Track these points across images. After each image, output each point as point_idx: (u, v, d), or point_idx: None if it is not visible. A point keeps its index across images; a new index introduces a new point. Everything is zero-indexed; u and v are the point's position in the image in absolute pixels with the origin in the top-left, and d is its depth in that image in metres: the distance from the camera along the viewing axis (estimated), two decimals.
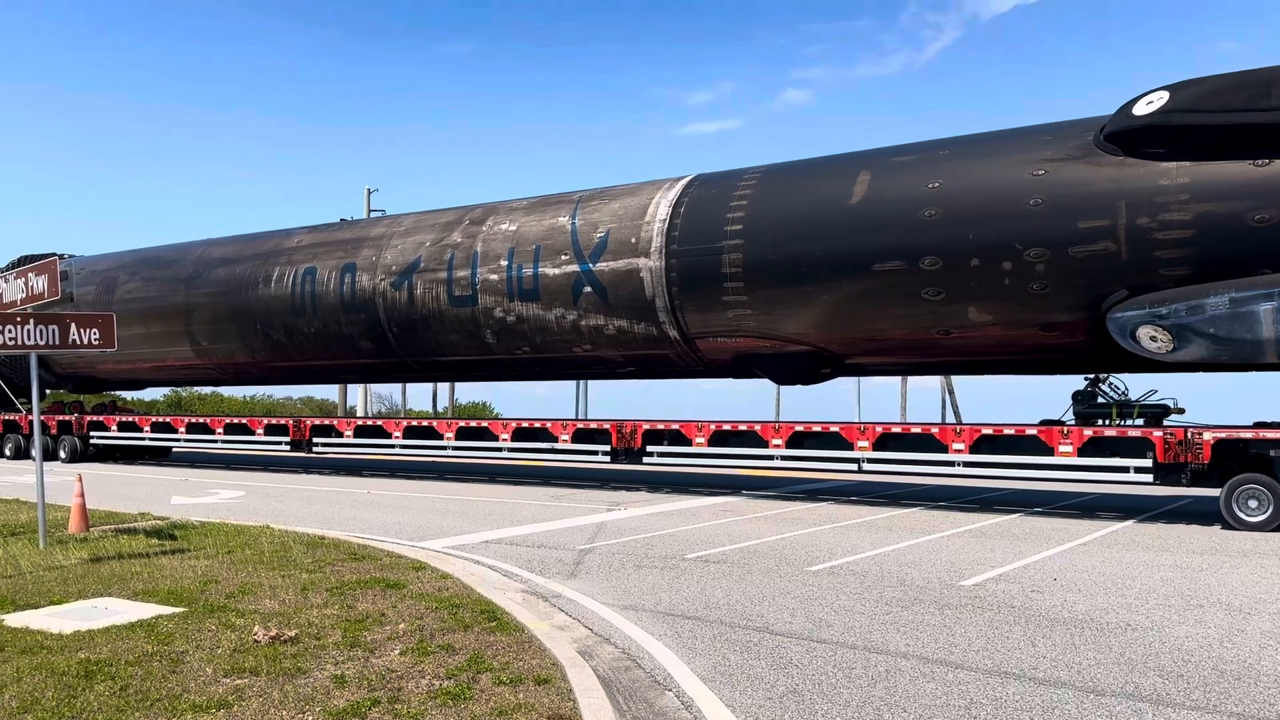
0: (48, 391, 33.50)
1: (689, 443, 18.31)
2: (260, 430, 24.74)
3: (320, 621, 7.49)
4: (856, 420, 16.90)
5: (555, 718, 5.37)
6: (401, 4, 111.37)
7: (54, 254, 29.55)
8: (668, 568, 10.48)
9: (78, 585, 9.01)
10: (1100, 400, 15.78)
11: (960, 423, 18.48)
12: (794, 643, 7.20)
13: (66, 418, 28.61)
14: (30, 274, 12.12)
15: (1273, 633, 7.51)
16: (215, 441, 25.97)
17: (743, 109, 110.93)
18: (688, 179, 17.95)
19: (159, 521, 13.87)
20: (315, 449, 23.81)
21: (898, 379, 32.80)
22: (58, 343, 11.72)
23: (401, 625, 7.41)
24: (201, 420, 26.81)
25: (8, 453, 29.03)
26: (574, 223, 18.46)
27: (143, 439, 27.29)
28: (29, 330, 11.45)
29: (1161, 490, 18.01)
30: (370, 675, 6.10)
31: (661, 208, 17.51)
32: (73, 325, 11.90)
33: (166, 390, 37.67)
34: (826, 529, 13.60)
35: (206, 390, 46.18)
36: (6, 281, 12.70)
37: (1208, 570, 10.30)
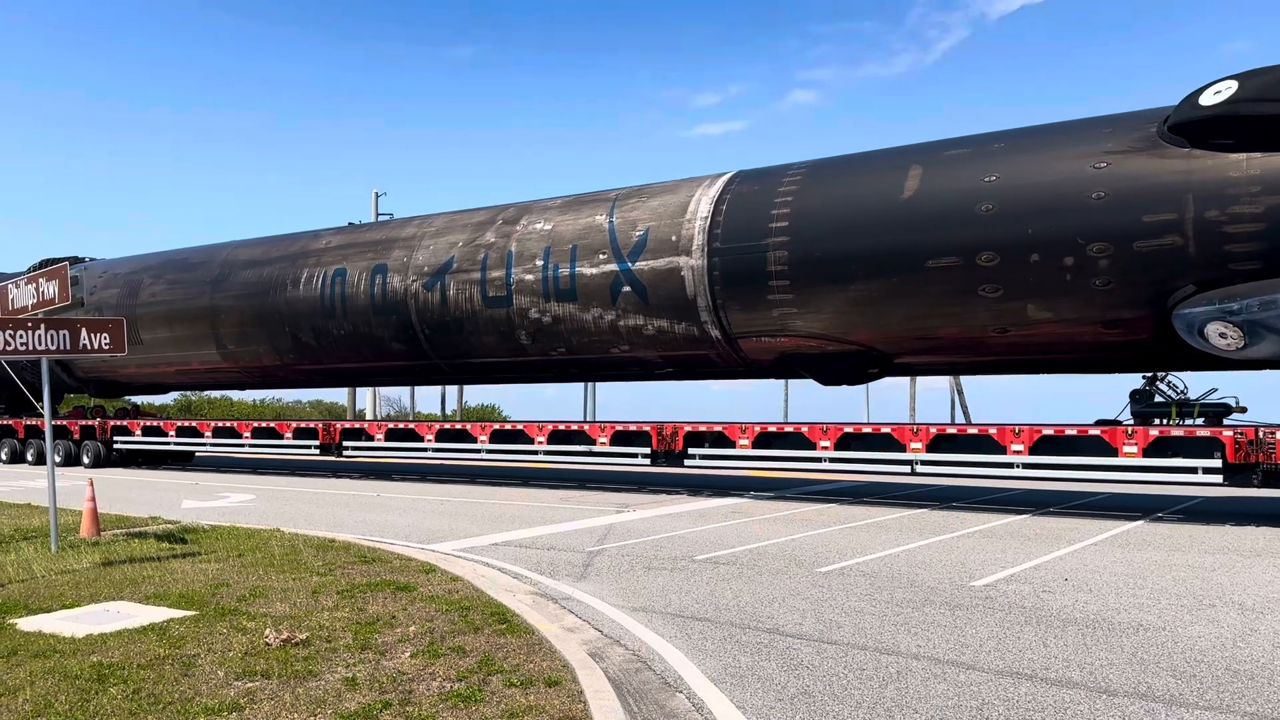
0: (68, 396, 33.49)
1: (732, 445, 17.94)
2: (289, 434, 24.46)
3: (331, 624, 7.50)
4: (909, 421, 16.56)
5: (566, 719, 5.38)
6: (406, 9, 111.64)
7: (75, 257, 29.47)
8: (677, 569, 10.47)
9: (90, 589, 9.04)
10: (1158, 399, 15.40)
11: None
12: (804, 644, 7.19)
13: (89, 422, 28.39)
14: (41, 279, 12.17)
15: None
16: (242, 446, 25.63)
17: (750, 110, 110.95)
18: (728, 175, 17.58)
19: (170, 525, 13.91)
20: (345, 453, 23.49)
21: (906, 379, 32.74)
22: (68, 347, 11.76)
23: (412, 628, 7.42)
24: (228, 424, 26.37)
25: (30, 458, 28.85)
26: (611, 221, 18.12)
27: (168, 443, 27.05)
28: (40, 335, 11.50)
29: (1174, 490, 17.95)
30: (381, 677, 6.10)
31: (702, 205, 17.15)
32: (83, 330, 11.95)
33: (175, 395, 37.43)
34: (836, 530, 13.58)
35: (215, 394, 46.27)
36: (18, 287, 12.75)
37: (1220, 570, 10.26)
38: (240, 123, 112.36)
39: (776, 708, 5.74)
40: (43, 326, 11.56)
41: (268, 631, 7.13)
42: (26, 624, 7.64)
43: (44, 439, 27.58)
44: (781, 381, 34.91)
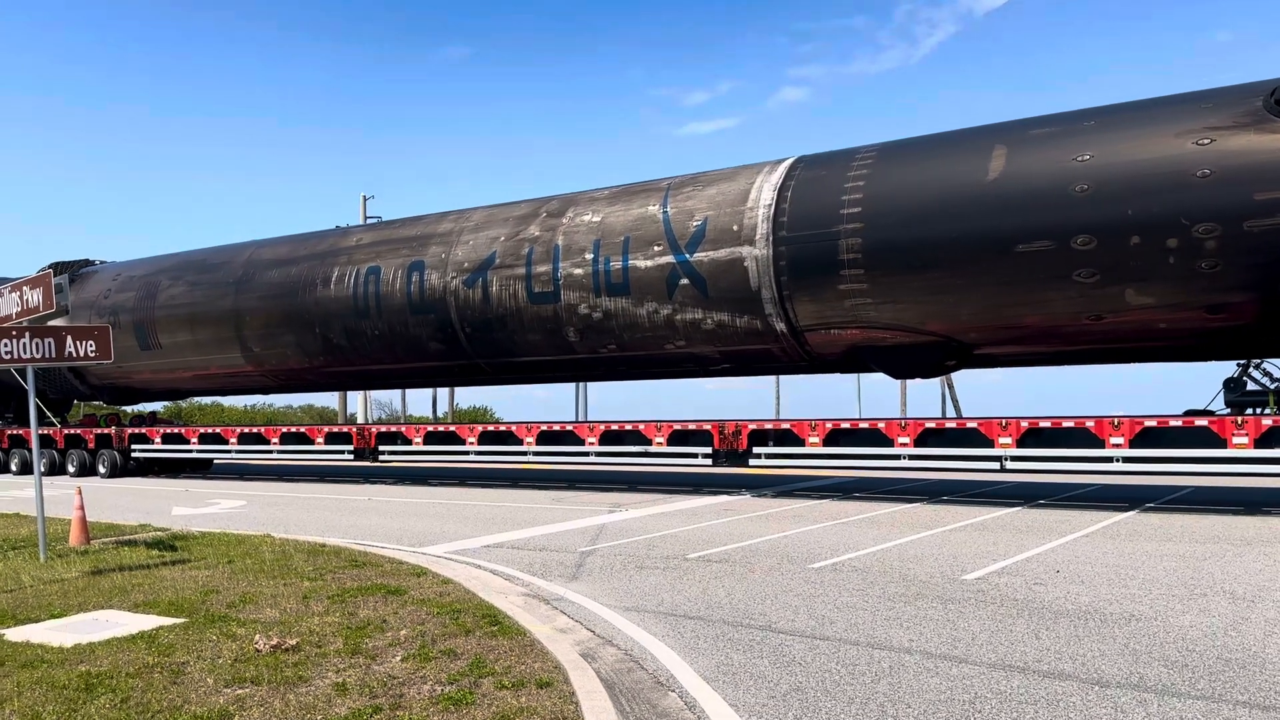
0: (76, 403, 32.86)
1: (800, 442, 17.20)
2: (320, 439, 23.62)
3: (321, 629, 7.46)
4: (996, 416, 15.66)
5: None
6: (398, 10, 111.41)
7: (86, 260, 28.83)
8: (669, 568, 10.45)
9: (78, 598, 8.98)
10: (1251, 388, 14.90)
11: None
12: (797, 640, 7.17)
13: (105, 431, 27.53)
14: (25, 287, 12.09)
15: (1278, 620, 7.48)
16: (270, 452, 24.59)
17: (740, 108, 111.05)
18: (790, 161, 16.92)
19: (160, 533, 13.84)
20: (381, 458, 22.72)
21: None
22: (54, 355, 11.69)
23: (403, 631, 7.38)
24: (255, 430, 25.39)
25: (42, 468, 28.17)
26: (666, 211, 17.42)
27: (189, 452, 26.17)
28: (24, 344, 11.42)
29: (1164, 480, 18.02)
30: (372, 682, 6.07)
31: (765, 192, 16.43)
32: (69, 338, 11.87)
33: (164, 403, 36.84)
34: (828, 526, 13.57)
35: (206, 400, 46.02)
36: (1, 295, 12.66)
37: (1211, 559, 10.28)
38: (227, 126, 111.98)
39: (769, 705, 5.72)
40: (28, 334, 11.48)
41: (257, 638, 7.09)
42: (14, 634, 7.58)
43: (53, 449, 27.53)
44: (773, 378, 34.92)
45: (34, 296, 11.88)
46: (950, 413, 29.26)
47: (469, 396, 49.84)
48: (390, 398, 48.89)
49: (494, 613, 8.01)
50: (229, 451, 25.40)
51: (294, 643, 6.98)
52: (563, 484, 21.59)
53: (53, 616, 8.24)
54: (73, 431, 28.11)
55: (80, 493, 13.63)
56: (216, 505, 18.82)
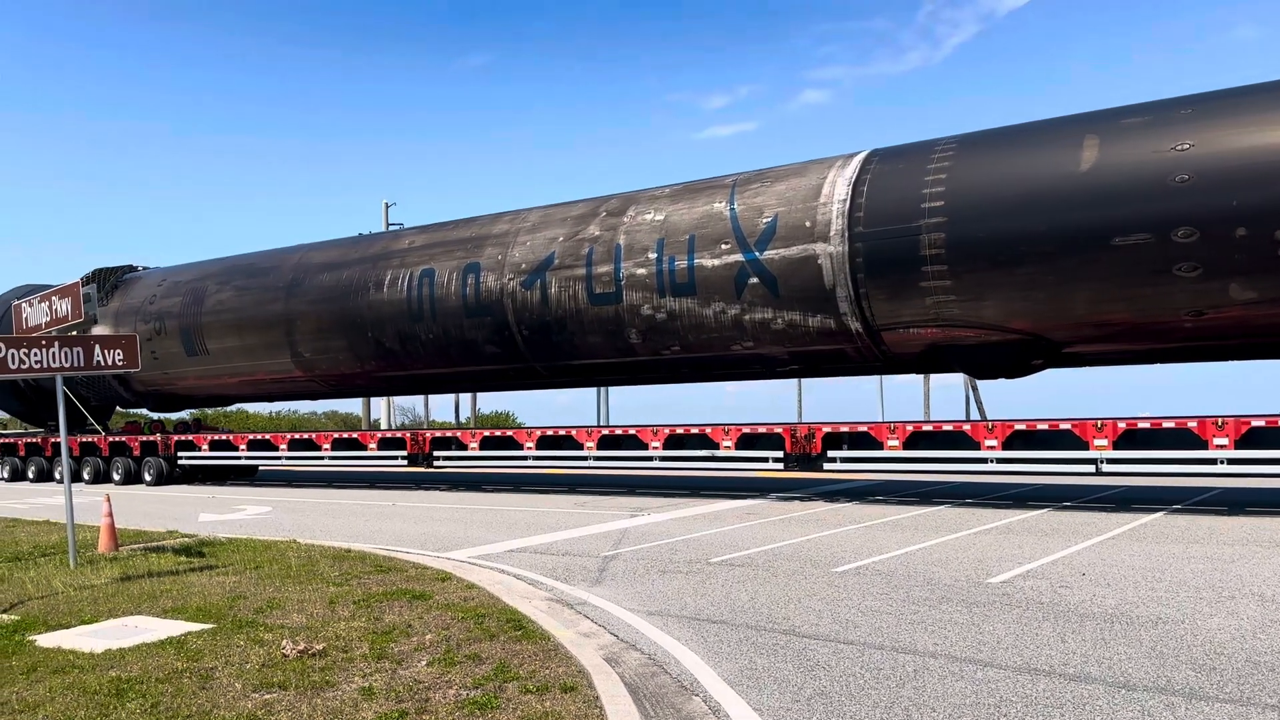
0: (117, 409, 32.70)
1: (879, 446, 16.60)
2: (373, 445, 23.14)
3: (348, 634, 7.52)
4: (1091, 416, 15.10)
5: None
6: (417, 19, 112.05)
7: (130, 265, 28.59)
8: (692, 572, 10.46)
9: (108, 604, 9.09)
10: None
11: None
12: (821, 644, 7.16)
13: (150, 438, 27.11)
14: (54, 297, 12.25)
15: None
16: (321, 458, 24.14)
17: (760, 111, 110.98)
18: (863, 155, 16.40)
19: (187, 539, 13.97)
20: (436, 463, 22.16)
21: (918, 375, 32.54)
22: (82, 364, 11.84)
23: (428, 636, 7.43)
24: (305, 436, 24.96)
25: (86, 476, 27.58)
26: (733, 208, 16.90)
27: (238, 458, 25.84)
28: (54, 353, 11.58)
29: (1190, 482, 17.86)
30: (398, 687, 6.11)
31: (839, 187, 15.92)
32: (97, 347, 12.03)
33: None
34: (852, 529, 13.54)
35: (231, 408, 46.30)
36: (31, 306, 12.84)
37: (1239, 561, 10.18)
38: (249, 137, 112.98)
39: (793, 709, 5.72)
40: (56, 344, 11.63)
41: (285, 643, 7.15)
42: (46, 640, 7.68)
43: (97, 456, 27.34)
44: (795, 381, 34.77)
45: (63, 306, 12.04)
46: (974, 414, 29.06)
47: (490, 402, 49.99)
48: (413, 403, 49.00)
49: (518, 617, 8.04)
50: (279, 458, 25.01)
51: (321, 648, 7.04)
52: (622, 489, 21.05)
53: (83, 622, 8.34)
54: (117, 439, 27.79)
55: (109, 499, 13.79)
56: (242, 511, 18.97)
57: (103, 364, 12.06)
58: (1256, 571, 9.57)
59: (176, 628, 7.97)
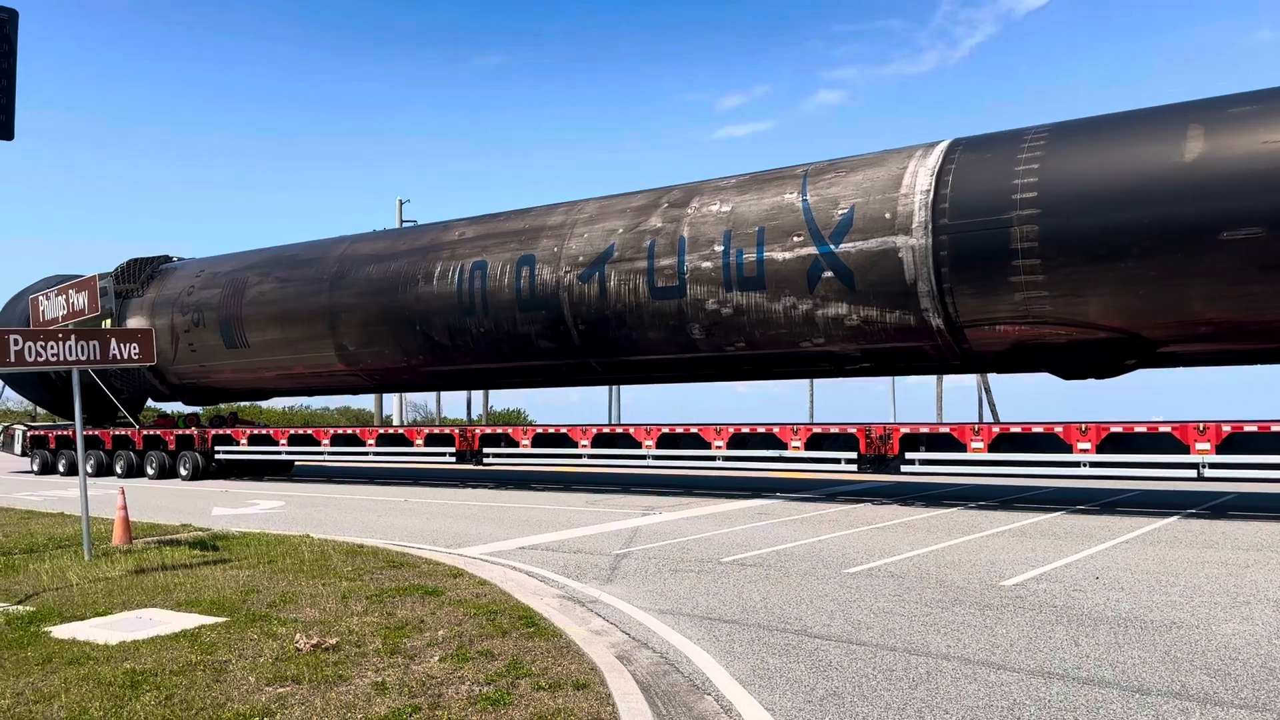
0: (149, 402, 32.33)
1: (961, 448, 16.01)
2: (419, 441, 22.69)
3: (361, 629, 7.55)
4: (1193, 420, 14.59)
5: None
6: (434, 18, 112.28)
7: (165, 256, 28.18)
8: (704, 571, 10.45)
9: (122, 596, 9.14)
10: None
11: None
12: (833, 645, 7.15)
13: (186, 432, 26.66)
14: (71, 290, 12.32)
15: None
16: (365, 454, 23.66)
17: (775, 111, 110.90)
18: (945, 144, 15.79)
19: (200, 532, 14.04)
20: (485, 461, 21.55)
21: (930, 377, 32.44)
22: (98, 357, 11.90)
23: (441, 632, 7.44)
24: (349, 432, 24.45)
25: (119, 470, 27.30)
26: (805, 199, 16.30)
27: (278, 453, 25.18)
28: (70, 346, 11.64)
29: (1205, 486, 17.75)
30: (411, 682, 6.13)
31: (921, 177, 15.31)
32: (113, 340, 12.09)
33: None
34: (864, 530, 13.51)
35: (244, 404, 46.41)
36: (48, 299, 12.91)
37: (1254, 566, 10.12)
38: (263, 136, 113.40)
39: (806, 709, 5.72)
40: (73, 337, 11.70)
41: (298, 637, 7.18)
42: (61, 631, 7.73)
43: (130, 450, 27.13)
44: (806, 381, 34.69)
45: (79, 300, 12.10)
46: (988, 417, 28.93)
47: (501, 400, 50.05)
48: (425, 400, 49.13)
49: (530, 614, 8.06)
50: (320, 453, 24.50)
51: (334, 642, 7.06)
52: (678, 490, 20.58)
53: (98, 614, 8.39)
54: (151, 432, 27.31)
55: (123, 493, 13.86)
56: (255, 506, 19.05)
57: (118, 357, 12.12)
58: (1271, 577, 9.51)
59: (190, 621, 8.01)
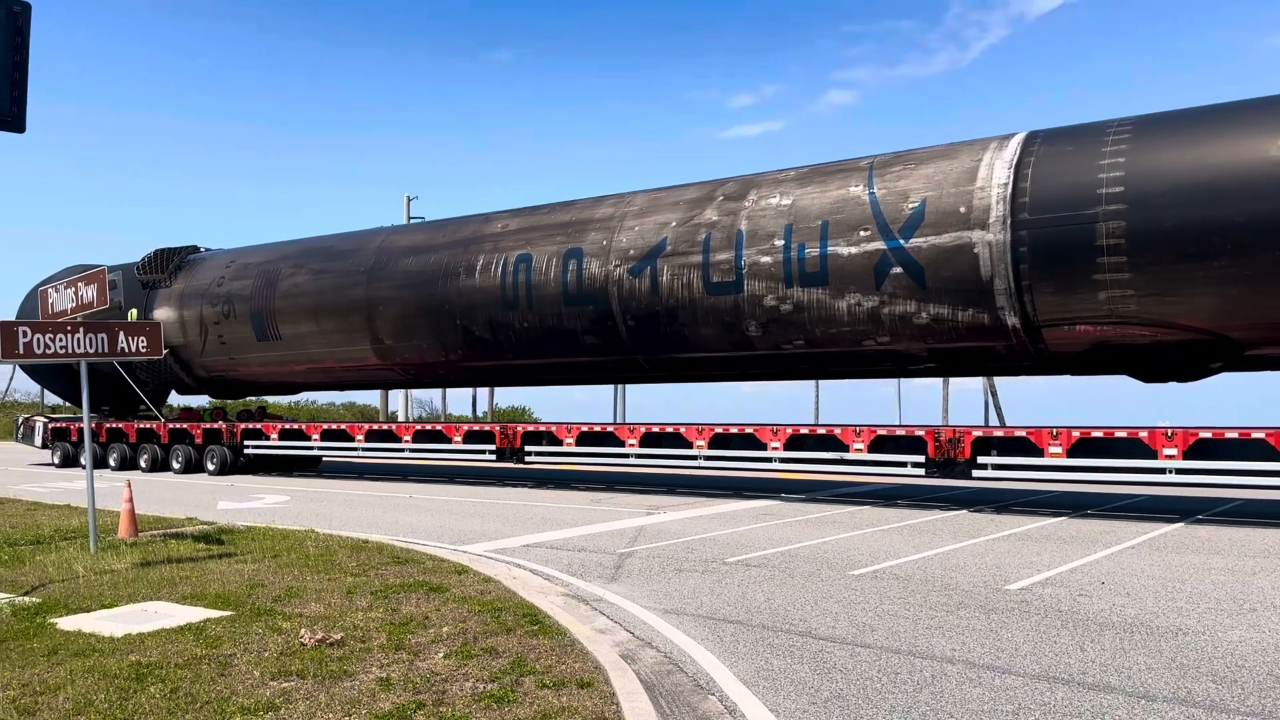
0: (173, 395, 31.93)
1: (1039, 452, 15.33)
2: (458, 438, 22.03)
3: (365, 625, 7.55)
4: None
5: None
6: (446, 14, 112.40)
7: (193, 246, 27.74)
8: (708, 571, 10.45)
9: (128, 589, 9.16)
10: None
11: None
12: (837, 647, 7.14)
13: (213, 426, 25.97)
14: (80, 283, 12.35)
15: None
16: (401, 451, 23.07)
17: (785, 111, 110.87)
18: (1022, 136, 15.27)
19: (206, 526, 14.07)
20: (528, 459, 20.97)
21: (937, 380, 32.45)
22: (106, 350, 11.93)
23: (445, 628, 7.45)
24: (384, 428, 23.94)
25: (143, 464, 26.63)
26: (872, 192, 15.79)
27: (309, 449, 24.53)
28: (78, 339, 11.67)
29: (1211, 492, 17.70)
30: (415, 678, 6.14)
31: (997, 170, 14.80)
32: (121, 333, 12.12)
33: (204, 400, 35.29)
34: (869, 533, 13.49)
35: (251, 398, 46.36)
36: (57, 291, 12.94)
37: (1261, 574, 10.09)
38: (274, 130, 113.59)
39: (810, 711, 5.71)
40: (81, 330, 11.73)
41: (303, 632, 7.19)
42: (66, 623, 7.75)
43: (155, 444, 26.65)
44: (812, 383, 34.67)
45: (88, 293, 12.13)
46: (994, 420, 28.91)
47: (506, 397, 49.96)
48: (430, 396, 49.19)
49: (534, 612, 8.06)
50: (354, 449, 23.85)
51: (338, 637, 7.07)
52: (728, 492, 20.41)
53: (103, 606, 8.41)
54: (177, 425, 26.63)
55: (129, 485, 13.90)
56: (260, 500, 19.08)
57: (126, 350, 12.15)
58: (1279, 584, 9.48)
59: (195, 614, 8.02)
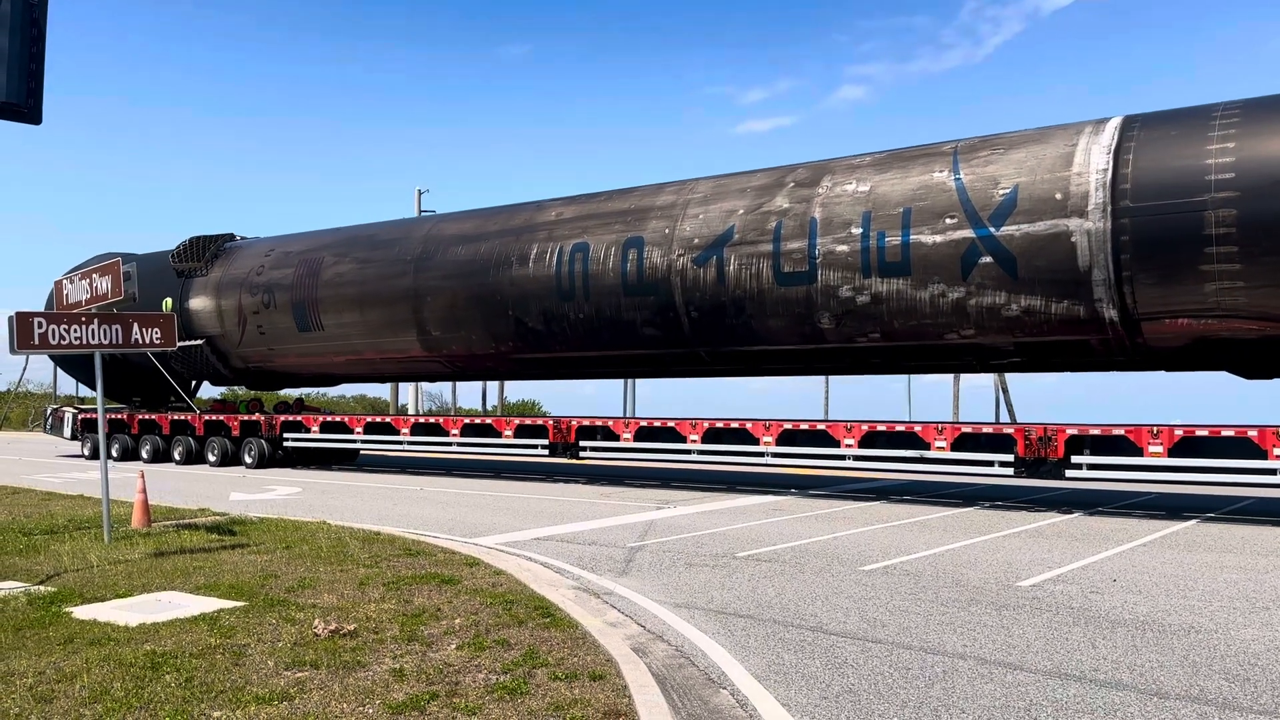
0: (205, 386, 31.23)
1: (1137, 451, 14.63)
2: (508, 432, 21.42)
3: (378, 616, 7.59)
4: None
5: (611, 713, 5.39)
6: (460, 8, 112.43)
7: (229, 234, 27.27)
8: (719, 566, 10.46)
9: (142, 579, 9.21)
10: None
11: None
12: (848, 642, 7.15)
13: (251, 418, 25.43)
14: (95, 274, 12.40)
15: None
16: (449, 445, 22.29)
17: (798, 106, 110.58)
18: (1118, 120, 14.60)
19: (219, 517, 14.14)
20: (583, 454, 20.27)
21: (948, 376, 32.34)
22: (121, 341, 12.00)
23: (457, 620, 7.48)
24: (432, 420, 23.15)
25: (177, 457, 26.18)
26: (958, 178, 15.14)
27: (352, 442, 23.98)
28: (93, 330, 11.73)
29: (1223, 490, 17.63)
30: (428, 669, 6.17)
31: (1095, 155, 14.14)
32: (135, 325, 12.18)
33: (217, 391, 34.90)
34: (880, 528, 13.49)
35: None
36: (72, 282, 13.01)
37: (1274, 572, 10.06)
38: (289, 125, 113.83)
39: (821, 705, 5.72)
40: (96, 321, 11.79)
41: (316, 622, 7.23)
42: (82, 612, 7.81)
43: (189, 435, 26.23)
44: (815, 380, 34.58)
45: (103, 284, 12.19)
46: (1005, 417, 28.84)
47: (515, 391, 49.95)
48: (439, 389, 49.14)
49: (546, 605, 8.08)
50: (399, 443, 23.25)
51: (352, 628, 7.11)
52: (793, 489, 19.86)
53: (118, 596, 8.47)
54: (214, 418, 26.07)
55: (142, 476, 13.98)
56: (272, 492, 19.16)
57: (140, 342, 12.21)
58: None
59: (209, 604, 8.07)
